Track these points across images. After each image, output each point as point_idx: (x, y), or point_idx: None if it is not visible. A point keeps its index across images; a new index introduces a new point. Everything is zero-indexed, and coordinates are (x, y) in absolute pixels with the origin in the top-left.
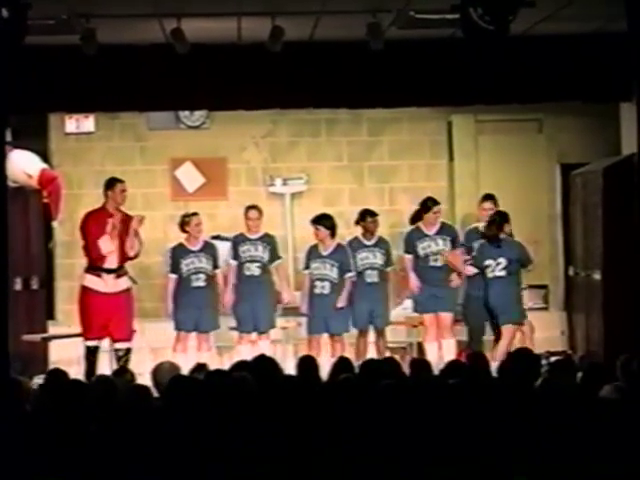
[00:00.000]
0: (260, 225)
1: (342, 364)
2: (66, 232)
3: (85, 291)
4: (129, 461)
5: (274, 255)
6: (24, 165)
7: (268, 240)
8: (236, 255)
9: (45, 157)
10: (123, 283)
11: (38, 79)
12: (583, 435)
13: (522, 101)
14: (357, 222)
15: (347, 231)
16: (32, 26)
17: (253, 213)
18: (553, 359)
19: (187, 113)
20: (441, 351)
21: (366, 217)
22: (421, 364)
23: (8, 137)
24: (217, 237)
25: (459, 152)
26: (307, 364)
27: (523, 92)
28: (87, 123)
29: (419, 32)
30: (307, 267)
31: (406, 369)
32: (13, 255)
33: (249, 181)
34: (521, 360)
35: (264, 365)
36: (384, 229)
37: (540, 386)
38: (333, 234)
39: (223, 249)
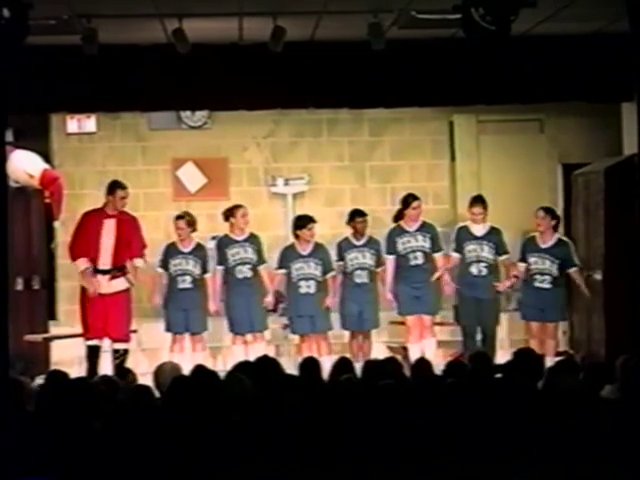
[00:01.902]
0: (249, 222)
1: (342, 364)
2: (68, 232)
3: (83, 292)
4: (130, 461)
5: (261, 257)
6: (26, 165)
7: (255, 241)
8: (223, 259)
9: (47, 157)
10: (119, 284)
11: (39, 79)
12: (584, 435)
13: (523, 101)
14: (347, 222)
15: (348, 231)
16: (33, 26)
17: (245, 210)
18: (555, 359)
19: (188, 113)
20: (423, 351)
21: (355, 217)
22: (422, 364)
23: (10, 137)
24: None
25: (461, 152)
26: (310, 365)
27: (524, 92)
28: (89, 123)
29: (420, 32)
30: (283, 267)
31: (407, 369)
32: (14, 255)
33: (251, 181)
34: (524, 360)
35: (266, 366)
36: (385, 229)
37: (542, 386)
38: None
39: None
